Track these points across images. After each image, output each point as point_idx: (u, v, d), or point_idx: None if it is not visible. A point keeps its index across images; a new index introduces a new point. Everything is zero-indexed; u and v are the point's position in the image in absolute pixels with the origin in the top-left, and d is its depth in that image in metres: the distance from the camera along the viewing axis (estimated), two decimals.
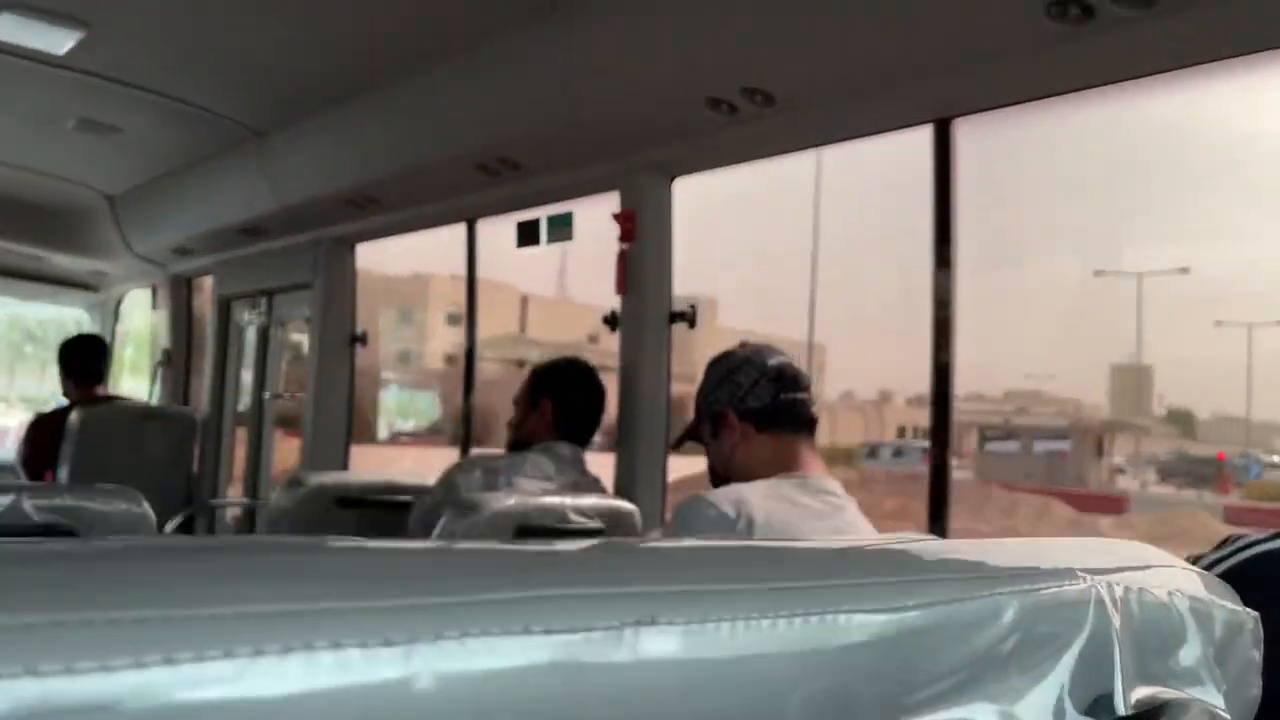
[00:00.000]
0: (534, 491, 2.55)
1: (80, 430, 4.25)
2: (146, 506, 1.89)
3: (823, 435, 2.13)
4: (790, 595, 0.38)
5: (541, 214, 3.23)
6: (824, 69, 2.11)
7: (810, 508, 1.88)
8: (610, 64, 2.53)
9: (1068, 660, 0.51)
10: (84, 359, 4.53)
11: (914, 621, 0.41)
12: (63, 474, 4.28)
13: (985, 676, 0.46)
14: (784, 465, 1.95)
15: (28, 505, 1.77)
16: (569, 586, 0.34)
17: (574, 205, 3.15)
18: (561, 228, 3.18)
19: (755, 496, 1.81)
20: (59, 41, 3.26)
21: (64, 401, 4.54)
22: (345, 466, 4.08)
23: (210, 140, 4.04)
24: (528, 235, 3.26)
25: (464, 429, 3.69)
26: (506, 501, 2.37)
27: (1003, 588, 0.48)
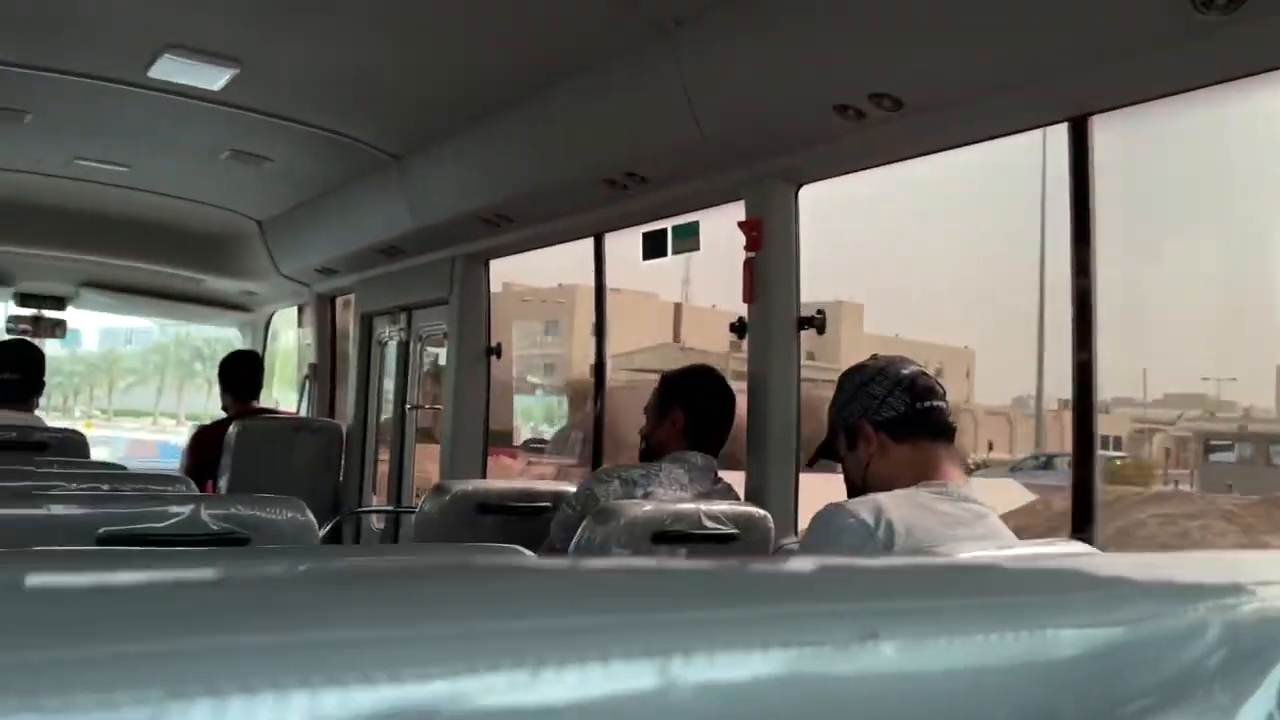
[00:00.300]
0: (670, 500, 2.60)
1: (238, 442, 4.53)
2: (309, 515, 2.02)
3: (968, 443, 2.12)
4: (1001, 611, 0.40)
5: (667, 225, 3.28)
6: (954, 71, 2.10)
7: (951, 515, 1.87)
8: (734, 76, 2.57)
9: (1276, 676, 0.50)
10: (241, 374, 4.82)
11: (1119, 637, 0.42)
12: (223, 483, 4.56)
13: (1191, 693, 0.45)
14: (923, 474, 1.94)
15: (205, 515, 1.91)
16: (800, 603, 0.38)
17: (700, 215, 3.19)
18: (688, 237, 3.23)
19: (894, 505, 1.81)
20: (214, 79, 3.49)
21: (222, 415, 4.84)
22: (483, 474, 4.22)
23: (352, 165, 4.25)
24: (654, 246, 3.32)
25: (595, 440, 3.77)
26: (644, 508, 2.42)
27: (1206, 602, 0.47)
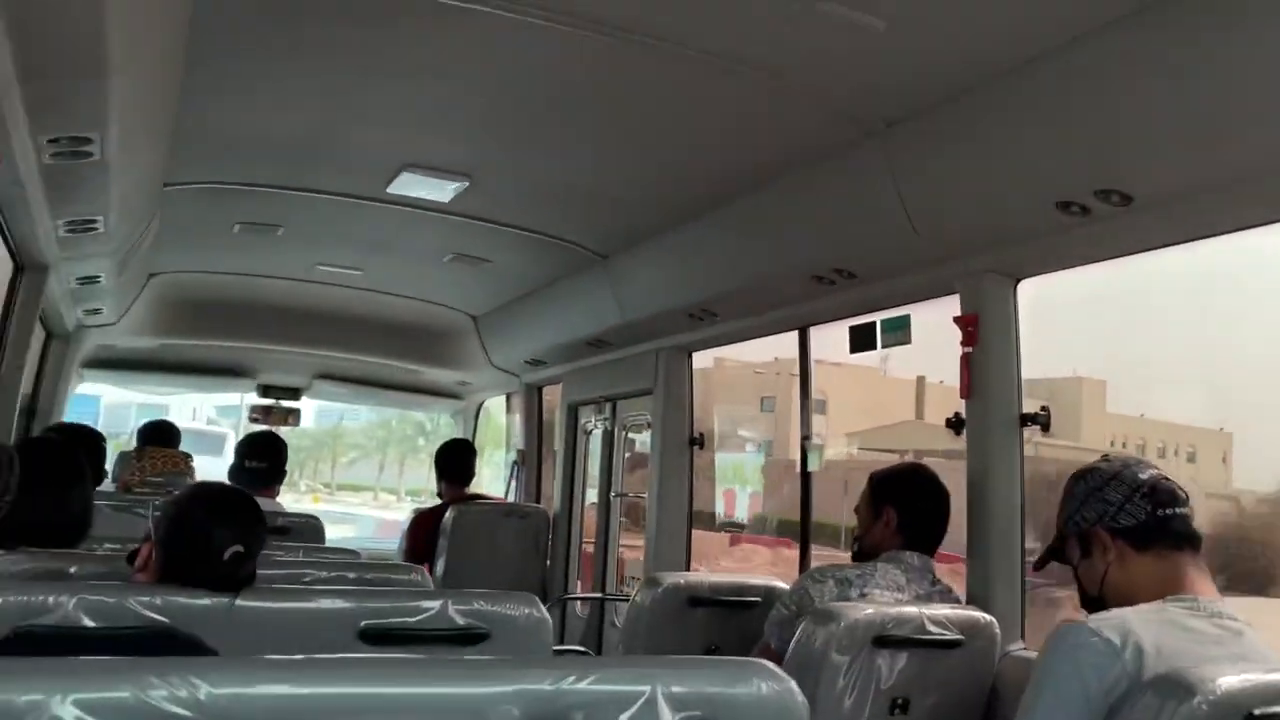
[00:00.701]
0: (887, 602, 2.56)
1: (453, 527, 4.77)
2: (544, 611, 2.12)
3: None
4: None
5: (876, 318, 3.28)
6: (1188, 166, 2.04)
7: (1205, 633, 1.76)
8: (948, 174, 2.58)
9: None
10: (456, 462, 5.09)
11: None
12: (440, 564, 4.80)
13: None
14: (1169, 587, 1.85)
15: (452, 610, 2.04)
16: None
17: (910, 308, 3.18)
18: (897, 330, 3.22)
19: (1141, 622, 1.73)
20: (445, 192, 3.79)
21: (437, 500, 5.12)
22: (687, 564, 4.27)
23: (562, 264, 4.48)
24: (862, 340, 3.32)
25: (802, 528, 3.75)
26: (864, 611, 2.40)
27: None
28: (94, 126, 2.25)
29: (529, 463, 5.85)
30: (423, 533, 4.88)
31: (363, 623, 1.96)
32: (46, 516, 2.34)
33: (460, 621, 2.02)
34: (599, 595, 4.84)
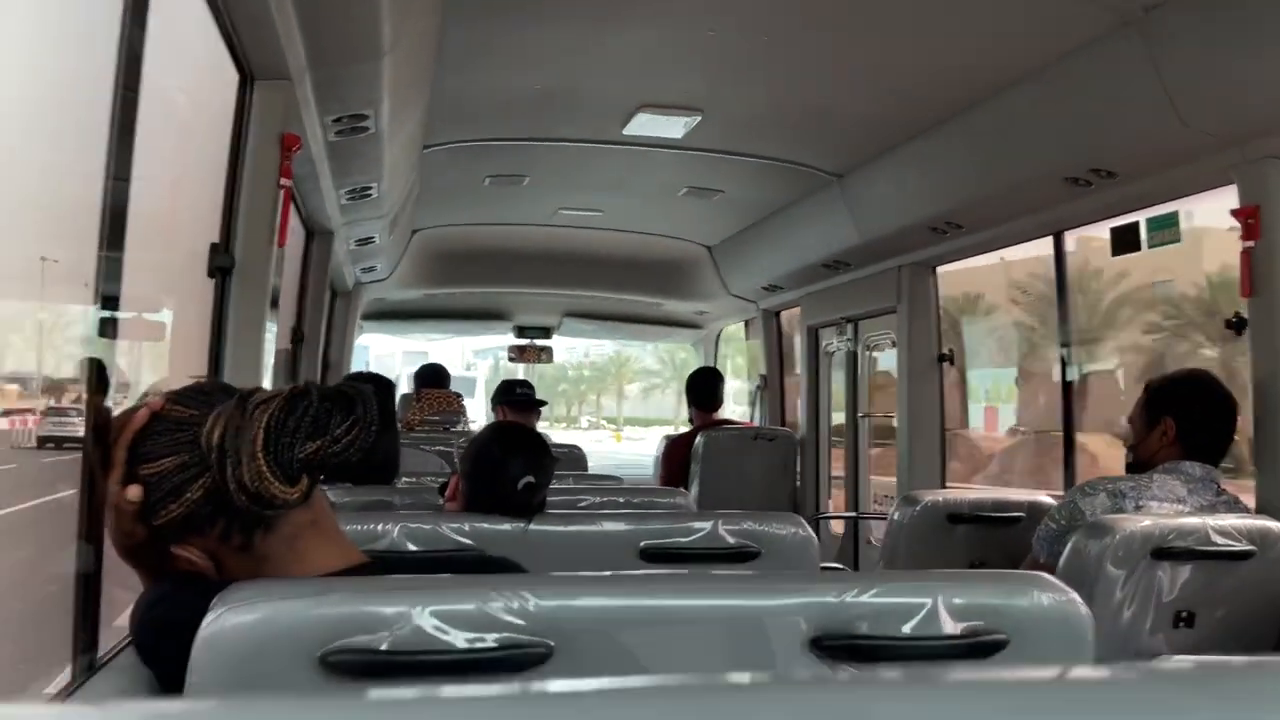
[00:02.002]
0: (1166, 514, 2.46)
1: (705, 452, 4.93)
2: (809, 531, 2.20)
3: None
4: None
5: (1139, 217, 3.09)
6: None
7: None
8: (1219, 57, 2.37)
9: None
10: (705, 388, 5.24)
11: None
12: (693, 489, 4.99)
13: None
14: None
15: (722, 530, 2.16)
16: None
17: (1177, 205, 2.97)
18: (1165, 229, 3.02)
19: None
20: (677, 128, 3.87)
21: (686, 427, 5.30)
22: (942, 483, 4.22)
23: (795, 188, 4.47)
24: (1125, 241, 3.14)
25: (1065, 441, 3.63)
26: (1141, 523, 2.32)
27: None
28: (369, 104, 2.48)
29: (771, 387, 5.92)
30: (677, 458, 5.08)
31: (642, 543, 2.12)
32: (369, 458, 2.65)
33: (730, 541, 2.14)
34: (853, 514, 4.88)
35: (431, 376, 5.41)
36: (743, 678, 0.44)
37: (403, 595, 1.14)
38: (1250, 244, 2.58)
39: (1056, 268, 3.56)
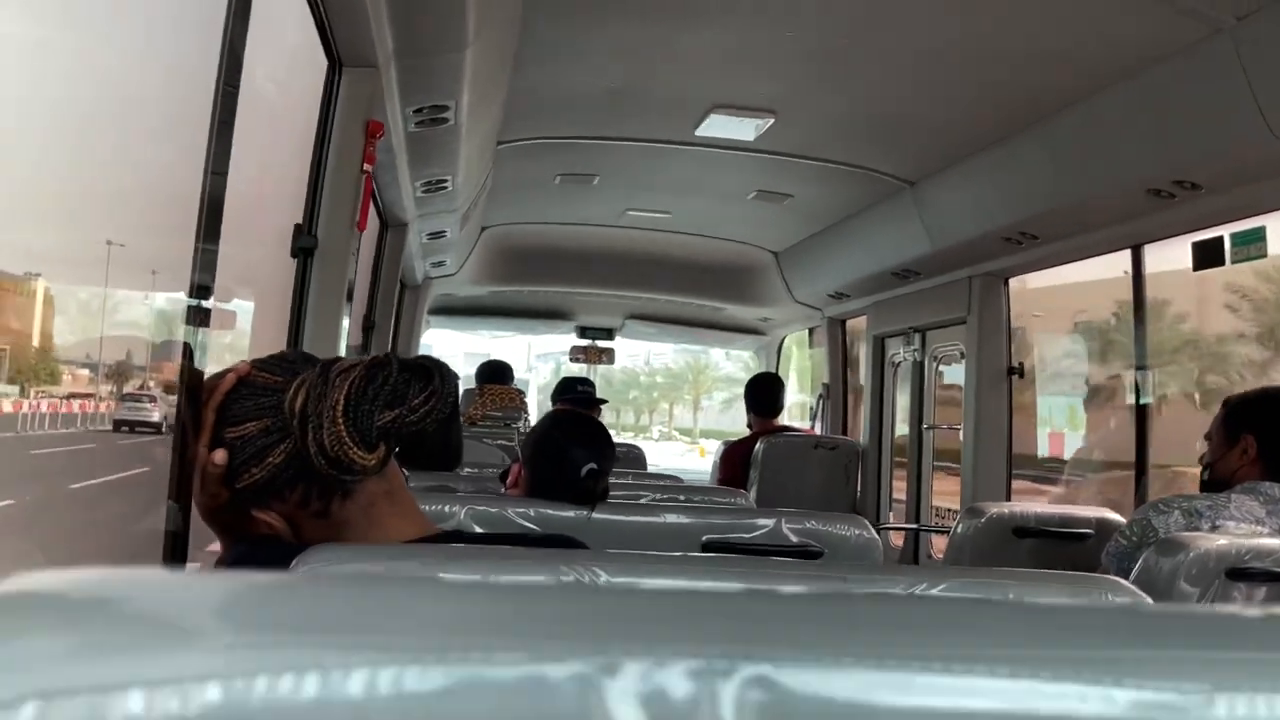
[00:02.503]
0: (1243, 534, 2.39)
1: (764, 457, 4.91)
2: (873, 533, 2.18)
3: None
4: None
5: (1223, 232, 3.01)
6: None
7: None
8: None
9: None
10: (766, 394, 5.22)
11: None
12: (751, 494, 4.97)
13: None
14: None
15: (785, 528, 2.16)
16: None
17: (1265, 219, 2.89)
18: (1251, 244, 2.94)
19: None
20: (750, 130, 3.86)
21: (746, 432, 5.29)
22: (1007, 497, 4.16)
23: (866, 194, 4.44)
24: (1208, 256, 3.07)
25: (1138, 461, 3.55)
26: (1216, 542, 2.26)
27: None
28: (451, 95, 2.52)
29: (834, 395, 5.88)
30: (735, 463, 5.06)
31: (705, 536, 2.12)
32: (433, 446, 2.70)
33: (794, 539, 2.13)
34: (915, 525, 4.82)
35: (494, 372, 5.47)
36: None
37: (476, 564, 1.16)
38: None
39: (1134, 283, 3.49)
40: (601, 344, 7.03)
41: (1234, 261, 2.98)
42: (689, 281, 6.17)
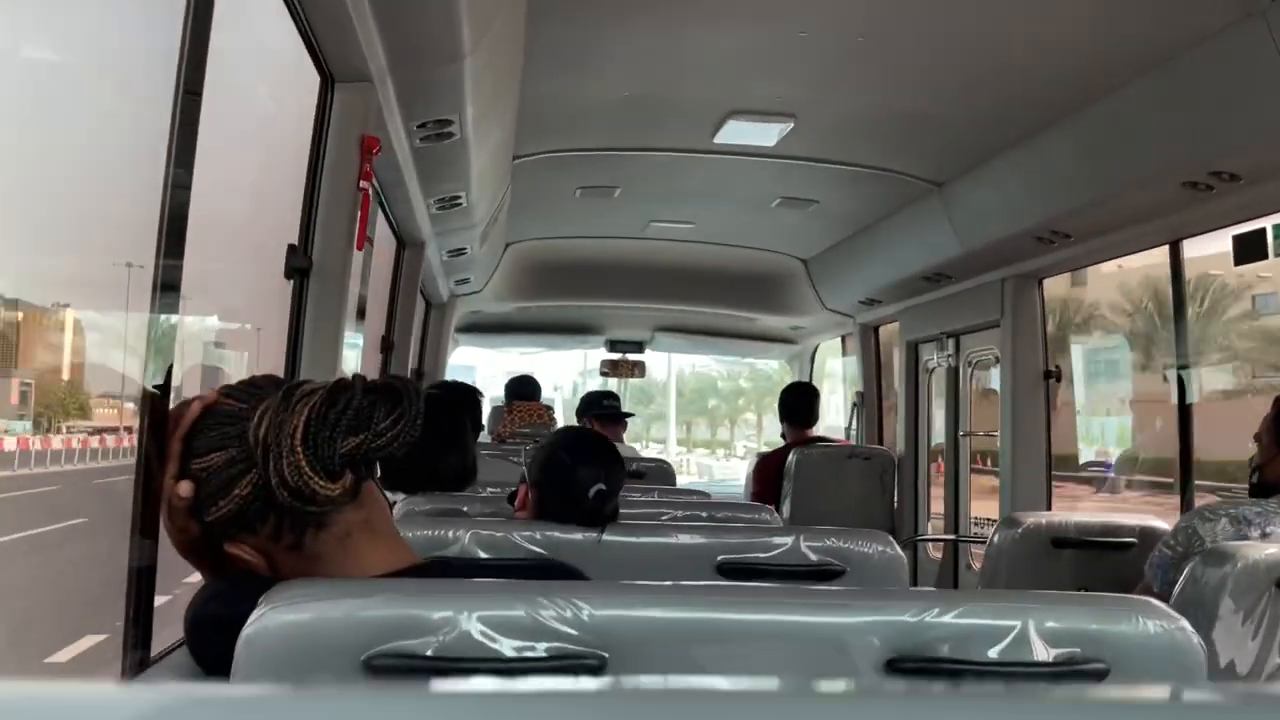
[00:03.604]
0: None
1: (798, 469, 4.81)
2: (898, 550, 2.08)
3: None
4: None
5: (1266, 224, 2.88)
6: None
7: None
8: None
9: None
10: (799, 404, 5.12)
11: None
12: (785, 508, 4.86)
13: None
14: None
15: (804, 547, 2.06)
16: None
17: None
18: None
19: None
20: (770, 136, 3.78)
21: (780, 442, 5.18)
22: (1048, 505, 4.02)
23: (892, 197, 4.33)
24: (1250, 249, 2.93)
25: (1182, 465, 3.40)
26: (1265, 551, 2.13)
27: None
28: (453, 109, 2.47)
29: (869, 403, 5.76)
30: (769, 475, 4.96)
31: (719, 557, 2.03)
32: (442, 463, 2.63)
33: (813, 558, 2.04)
34: (952, 537, 4.69)
35: (523, 388, 5.42)
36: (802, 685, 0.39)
37: (451, 599, 1.09)
38: None
39: (1173, 279, 3.35)
40: (632, 357, 6.96)
41: (1278, 254, 2.84)
42: (718, 292, 6.08)
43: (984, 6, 2.65)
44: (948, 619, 1.15)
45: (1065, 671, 1.14)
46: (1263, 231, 2.87)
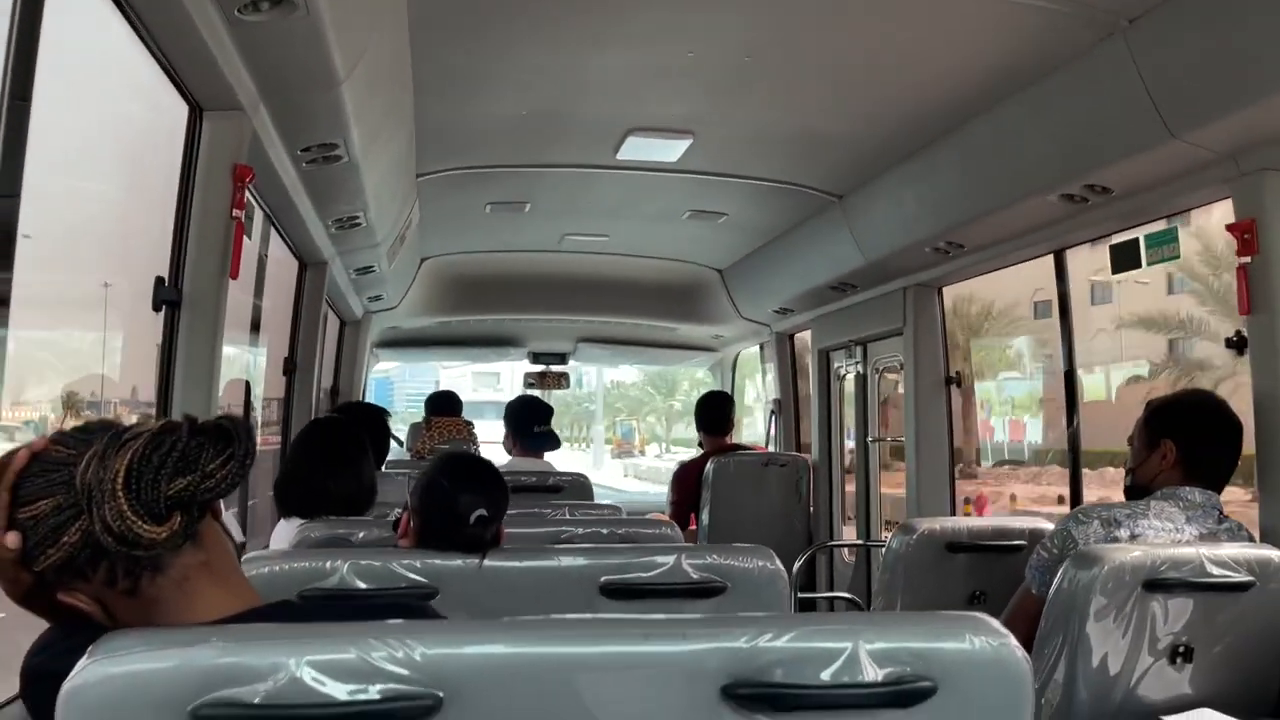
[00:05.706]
0: (1161, 543, 2.35)
1: (715, 477, 4.85)
2: (779, 564, 2.12)
3: None
4: None
5: (1139, 234, 2.99)
6: None
7: None
8: (1208, 66, 2.28)
9: None
10: (715, 413, 5.16)
11: None
12: (704, 515, 4.91)
13: None
14: None
15: (686, 565, 2.09)
16: None
17: (1177, 220, 2.87)
18: (1164, 245, 2.91)
19: None
20: (672, 152, 3.82)
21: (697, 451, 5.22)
22: (952, 509, 4.11)
23: (797, 209, 4.40)
24: (1125, 258, 3.04)
25: (1070, 462, 3.51)
26: (1132, 553, 2.21)
27: None
28: (336, 133, 2.46)
29: (785, 411, 5.83)
30: (687, 485, 4.99)
31: (602, 579, 2.05)
32: (331, 488, 2.62)
33: (695, 576, 2.07)
34: (859, 542, 4.77)
35: (443, 404, 5.38)
36: None
37: (279, 645, 1.08)
38: (1247, 259, 2.47)
39: (1059, 287, 3.46)
40: (556, 369, 6.96)
41: (1150, 263, 2.95)
42: (637, 302, 6.12)
43: (863, 30, 2.72)
44: (781, 643, 1.17)
45: (894, 691, 1.17)
46: (1136, 241, 2.98)
